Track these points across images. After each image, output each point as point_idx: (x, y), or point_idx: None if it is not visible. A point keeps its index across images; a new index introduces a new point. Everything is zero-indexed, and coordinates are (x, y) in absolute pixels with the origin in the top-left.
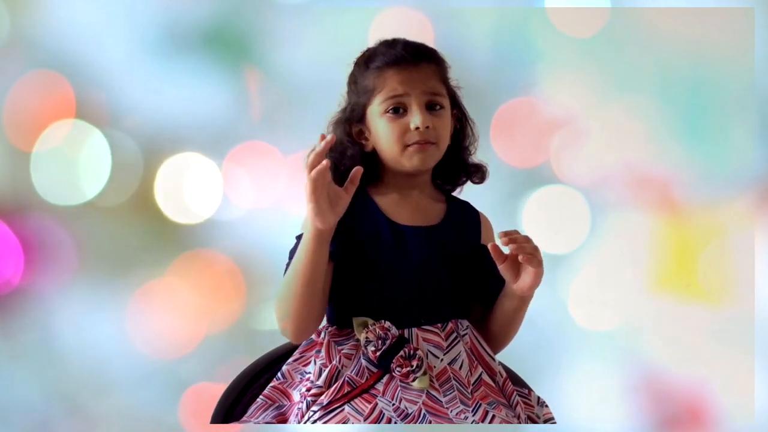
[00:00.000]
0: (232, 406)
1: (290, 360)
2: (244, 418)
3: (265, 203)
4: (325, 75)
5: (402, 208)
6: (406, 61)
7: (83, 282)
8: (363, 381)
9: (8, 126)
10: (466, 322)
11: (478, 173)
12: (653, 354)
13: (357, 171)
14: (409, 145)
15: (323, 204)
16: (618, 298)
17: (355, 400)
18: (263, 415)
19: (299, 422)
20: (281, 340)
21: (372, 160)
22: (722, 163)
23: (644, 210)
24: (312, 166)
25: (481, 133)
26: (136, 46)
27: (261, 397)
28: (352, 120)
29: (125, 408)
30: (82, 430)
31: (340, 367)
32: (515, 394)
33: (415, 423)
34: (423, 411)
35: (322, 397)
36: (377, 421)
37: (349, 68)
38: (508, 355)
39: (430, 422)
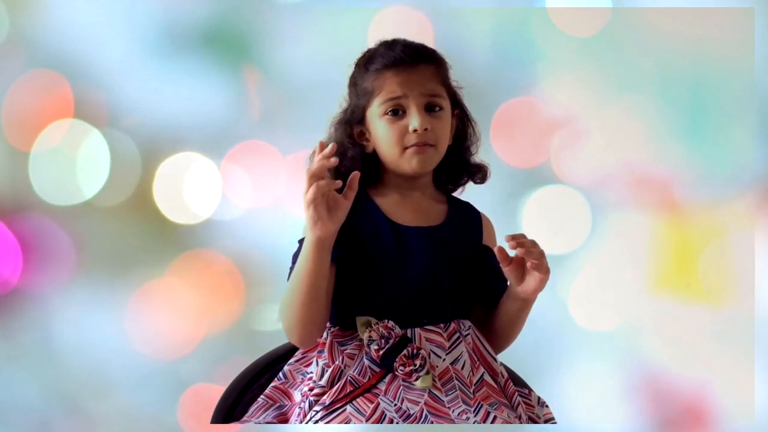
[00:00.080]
0: (232, 407)
1: (292, 360)
2: (245, 418)
3: (264, 203)
4: (325, 75)
5: (403, 209)
6: (405, 63)
7: (82, 282)
8: (365, 381)
9: (7, 126)
10: (468, 323)
11: (479, 173)
12: (653, 354)
13: (354, 176)
14: (407, 147)
15: (322, 212)
16: (618, 298)
17: (357, 400)
18: (264, 415)
19: (301, 422)
20: (281, 340)
21: (373, 161)
22: (722, 163)
23: (644, 210)
24: (313, 175)
25: (482, 133)
26: (135, 46)
27: (262, 396)
28: (353, 121)
29: (125, 408)
30: (82, 430)
31: (342, 367)
32: (516, 395)
33: (417, 424)
34: (425, 412)
35: (325, 397)
36: (379, 421)
37: (349, 69)
38: (509, 355)
39: (432, 423)
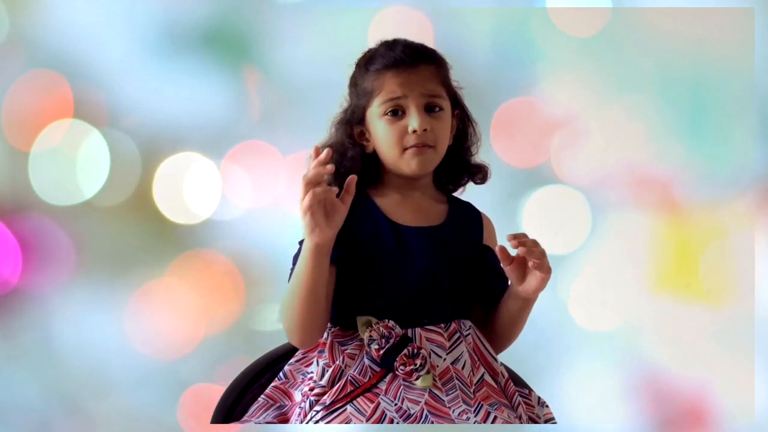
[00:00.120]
0: (232, 407)
1: (292, 360)
2: (245, 418)
3: (264, 203)
4: (325, 75)
5: (403, 209)
6: (405, 63)
7: (82, 282)
8: (366, 380)
9: (6, 126)
10: (468, 323)
11: (480, 173)
12: (653, 354)
13: (351, 180)
14: (407, 148)
15: (320, 219)
16: (618, 298)
17: (358, 400)
18: (264, 415)
19: (301, 422)
20: (281, 340)
21: (373, 162)
22: (722, 163)
23: (644, 210)
24: (309, 182)
25: (482, 133)
26: (135, 46)
27: (262, 396)
28: (353, 121)
29: (124, 408)
30: (82, 430)
31: (343, 367)
32: (517, 395)
33: (417, 424)
34: (425, 411)
35: (325, 397)
36: (379, 421)
37: (349, 69)
38: (509, 355)
39: (432, 423)
